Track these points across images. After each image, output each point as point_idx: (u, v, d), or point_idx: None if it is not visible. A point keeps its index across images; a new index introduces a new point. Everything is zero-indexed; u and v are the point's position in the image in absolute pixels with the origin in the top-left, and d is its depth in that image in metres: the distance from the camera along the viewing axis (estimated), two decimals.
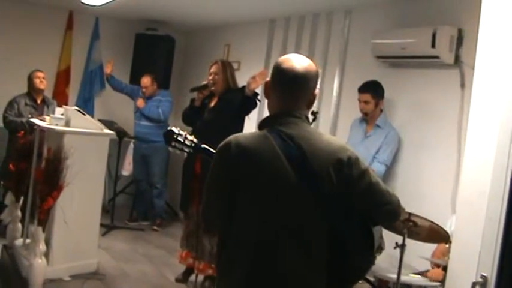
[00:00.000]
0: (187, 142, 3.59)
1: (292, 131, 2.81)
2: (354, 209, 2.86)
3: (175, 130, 3.62)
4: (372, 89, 6.27)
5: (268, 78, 2.99)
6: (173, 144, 3.60)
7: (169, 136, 3.60)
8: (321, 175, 2.75)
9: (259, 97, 6.39)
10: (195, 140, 3.60)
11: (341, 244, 2.85)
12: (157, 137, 9.31)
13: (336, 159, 2.77)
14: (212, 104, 6.67)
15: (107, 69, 9.66)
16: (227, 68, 6.67)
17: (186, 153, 3.67)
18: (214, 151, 3.35)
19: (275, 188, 2.75)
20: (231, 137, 2.85)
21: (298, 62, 2.88)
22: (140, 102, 9.59)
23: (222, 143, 2.87)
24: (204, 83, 6.74)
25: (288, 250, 2.75)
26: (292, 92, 2.90)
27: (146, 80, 9.42)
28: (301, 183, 2.73)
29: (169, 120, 9.76)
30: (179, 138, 3.59)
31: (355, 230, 2.89)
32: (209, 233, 3.23)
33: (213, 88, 6.62)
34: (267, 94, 2.99)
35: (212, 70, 6.64)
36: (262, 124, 2.92)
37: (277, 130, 2.80)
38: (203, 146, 3.61)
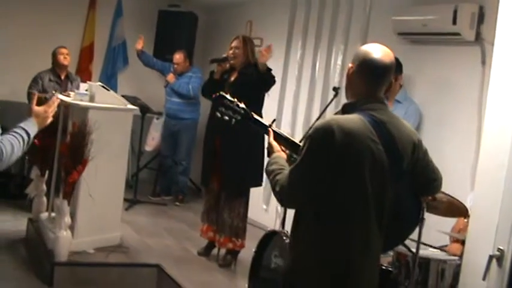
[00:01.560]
0: (237, 109, 3.49)
1: (381, 116, 2.98)
2: (413, 183, 3.16)
3: (227, 96, 3.52)
4: None
5: (351, 64, 3.09)
6: (221, 109, 3.50)
7: (220, 101, 3.50)
8: (404, 156, 3.02)
9: (273, 72, 6.45)
10: (246, 108, 3.50)
11: (402, 214, 3.15)
12: (187, 113, 9.41)
13: (412, 142, 3.09)
14: (232, 78, 6.72)
15: (138, 45, 9.67)
16: (248, 43, 6.71)
17: (233, 121, 3.53)
18: (263, 121, 3.43)
19: (371, 169, 2.89)
20: (331, 121, 2.91)
21: (385, 53, 3.04)
22: (170, 77, 9.64)
23: (321, 126, 2.91)
24: (224, 55, 6.80)
25: (373, 226, 2.96)
26: (379, 81, 3.06)
27: (178, 56, 9.46)
28: (390, 164, 2.94)
29: (200, 97, 9.82)
30: (229, 104, 3.50)
31: (413, 201, 3.24)
32: (286, 206, 3.22)
33: (232, 62, 6.67)
34: (350, 78, 3.09)
35: (233, 44, 6.69)
36: (350, 107, 3.05)
37: (370, 114, 2.95)
38: (253, 115, 3.52)
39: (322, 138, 2.88)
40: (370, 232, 2.93)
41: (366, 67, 3.03)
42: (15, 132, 3.33)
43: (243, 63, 6.65)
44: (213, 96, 3.57)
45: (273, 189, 3.04)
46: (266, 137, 3.47)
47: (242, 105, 3.51)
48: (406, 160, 3.02)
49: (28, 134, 3.38)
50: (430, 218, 4.67)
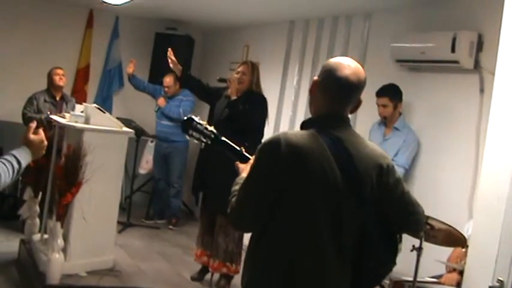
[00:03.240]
0: (206, 132, 3.48)
1: (340, 134, 2.82)
2: (383, 215, 2.90)
3: (196, 118, 3.43)
4: (390, 92, 6.29)
5: (316, 77, 2.95)
6: (191, 132, 3.42)
7: (188, 124, 3.42)
8: (365, 179, 2.80)
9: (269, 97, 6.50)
10: (215, 131, 3.45)
11: (368, 247, 2.86)
12: (178, 136, 9.40)
13: (378, 165, 2.85)
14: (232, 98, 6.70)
15: (129, 69, 9.69)
16: (255, 71, 6.70)
17: (202, 144, 3.53)
18: (234, 145, 3.36)
19: (323, 189, 2.73)
20: (279, 134, 2.81)
21: (353, 71, 2.85)
22: (161, 101, 9.68)
23: (269, 139, 2.82)
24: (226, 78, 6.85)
25: (328, 250, 2.76)
26: (343, 99, 2.89)
27: (169, 80, 9.48)
28: (346, 186, 2.75)
29: None
30: (198, 127, 3.42)
31: (382, 234, 2.91)
32: (238, 229, 3.12)
33: (238, 87, 6.64)
34: (313, 92, 2.95)
35: (240, 69, 6.67)
36: (309, 124, 2.90)
37: (327, 132, 2.80)
38: (223, 138, 3.45)
39: (268, 150, 2.78)
40: (325, 259, 2.76)
41: (330, 84, 2.87)
42: (6, 159, 3.23)
43: (246, 89, 6.62)
44: (182, 119, 3.54)
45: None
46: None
47: (211, 128, 3.47)
48: (369, 183, 2.81)
49: (19, 163, 3.27)
50: (426, 246, 4.64)
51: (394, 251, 2.98)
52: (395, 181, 2.92)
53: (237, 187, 2.92)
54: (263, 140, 2.88)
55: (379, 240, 2.88)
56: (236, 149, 3.39)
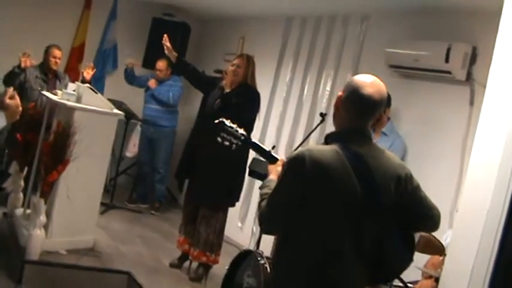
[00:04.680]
0: (237, 134, 3.56)
1: (361, 149, 2.96)
2: (402, 219, 3.07)
3: (227, 122, 3.58)
4: None
5: (340, 93, 3.07)
6: (222, 135, 3.56)
7: (220, 127, 3.57)
8: (384, 191, 2.94)
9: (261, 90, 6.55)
10: (245, 133, 3.57)
11: (388, 251, 3.03)
12: (166, 121, 9.43)
13: (397, 176, 3.00)
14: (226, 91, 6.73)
15: (130, 63, 9.75)
16: (250, 65, 6.72)
17: (233, 146, 3.62)
18: (263, 147, 3.50)
19: (344, 203, 2.88)
20: (304, 150, 2.93)
21: (377, 89, 2.99)
22: (152, 83, 9.73)
23: (295, 154, 2.96)
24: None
25: (347, 256, 2.91)
26: (366, 115, 3.03)
27: (162, 64, 9.52)
28: (367, 200, 2.88)
29: (179, 106, 9.86)
30: (229, 130, 3.57)
31: (401, 237, 3.11)
32: (266, 233, 3.22)
33: (232, 78, 6.66)
34: (337, 107, 3.09)
35: (236, 62, 6.69)
36: (332, 138, 3.04)
37: (348, 147, 2.94)
38: (253, 140, 3.62)
39: (293, 165, 2.94)
40: (344, 269, 2.91)
41: (354, 100, 3.00)
42: None
43: (240, 82, 6.64)
44: (215, 122, 3.62)
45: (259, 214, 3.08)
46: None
47: (242, 130, 3.59)
48: (387, 194, 2.96)
49: None
50: None
51: (411, 249, 3.17)
52: (414, 188, 3.09)
53: (265, 190, 3.14)
54: (291, 153, 3.01)
55: (398, 243, 3.07)
56: (265, 150, 3.53)
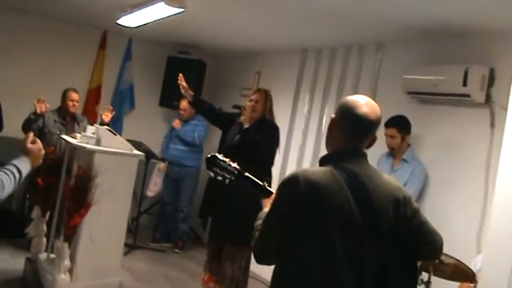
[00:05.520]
0: (229, 169, 3.55)
1: (356, 168, 2.88)
2: (403, 246, 2.95)
3: (219, 156, 3.56)
4: (398, 124, 6.31)
5: (334, 115, 3.02)
6: (215, 169, 3.54)
7: (212, 161, 3.54)
8: (382, 213, 2.84)
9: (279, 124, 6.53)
10: (238, 168, 3.53)
11: (390, 280, 2.90)
12: (191, 161, 9.43)
13: (395, 198, 2.90)
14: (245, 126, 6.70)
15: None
16: (268, 99, 6.68)
17: (227, 181, 3.61)
18: (257, 181, 3.42)
19: (341, 225, 2.76)
20: (298, 172, 2.85)
21: (371, 109, 2.94)
22: (177, 123, 9.77)
23: (288, 176, 2.86)
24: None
25: (346, 283, 2.77)
26: (361, 135, 2.97)
27: (185, 103, 9.34)
28: (365, 221, 2.79)
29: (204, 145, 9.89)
30: (222, 164, 3.54)
31: (402, 265, 2.96)
32: (261, 263, 3.15)
33: (251, 114, 6.63)
34: (330, 130, 3.03)
35: (254, 97, 6.63)
36: (326, 160, 2.96)
37: (343, 167, 2.85)
38: (246, 174, 3.56)
39: (287, 188, 2.84)
40: None
41: (349, 121, 2.95)
42: (7, 169, 3.27)
43: (259, 118, 6.61)
44: (207, 156, 3.60)
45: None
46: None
47: (235, 164, 3.56)
48: (386, 217, 2.85)
49: (20, 172, 3.32)
50: (434, 281, 4.63)
51: (414, 279, 3.06)
52: (413, 212, 2.97)
53: (259, 222, 3.00)
54: (282, 177, 2.94)
55: (399, 271, 2.94)
56: (259, 184, 3.46)
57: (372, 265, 2.83)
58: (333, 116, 3.02)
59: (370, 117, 2.93)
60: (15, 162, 3.35)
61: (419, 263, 3.19)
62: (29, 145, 3.46)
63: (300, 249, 2.78)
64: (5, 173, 3.23)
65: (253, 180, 3.51)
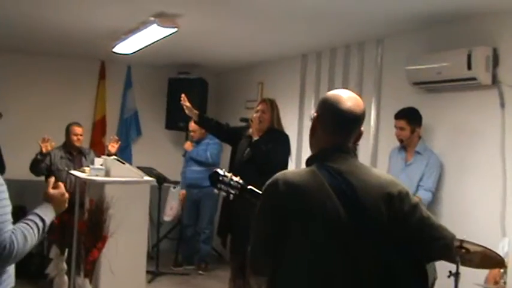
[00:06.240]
0: (232, 183, 3.51)
1: (340, 166, 2.76)
2: (406, 245, 2.79)
3: (221, 172, 3.55)
4: (407, 115, 6.23)
5: (316, 113, 2.91)
6: (219, 186, 3.53)
7: (215, 178, 3.53)
8: (372, 210, 2.70)
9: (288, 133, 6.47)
10: (240, 181, 3.51)
11: (393, 281, 2.75)
12: (208, 181, 9.30)
13: (387, 194, 2.75)
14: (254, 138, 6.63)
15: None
16: (274, 109, 6.61)
17: (231, 196, 3.56)
18: (260, 192, 3.33)
19: (325, 225, 2.67)
20: (278, 174, 2.79)
21: (354, 103, 2.84)
22: (188, 146, 9.76)
23: (269, 180, 2.81)
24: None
25: (345, 284, 2.67)
26: (347, 131, 2.86)
27: (193, 124, 9.32)
28: (351, 220, 2.67)
29: (220, 163, 9.77)
30: (225, 180, 3.52)
31: (407, 266, 2.80)
32: (256, 274, 3.10)
33: (257, 127, 6.55)
34: (313, 128, 2.92)
35: (259, 108, 6.56)
36: (311, 160, 2.86)
37: (326, 166, 2.75)
38: (249, 187, 3.53)
39: (267, 191, 2.81)
40: None
41: (333, 118, 2.85)
42: (30, 220, 3.13)
43: (267, 128, 6.53)
44: (209, 174, 3.61)
45: None
46: None
47: (237, 178, 3.55)
48: (376, 213, 2.70)
49: (43, 220, 3.18)
50: (463, 271, 4.53)
51: (424, 278, 2.87)
52: (411, 207, 2.80)
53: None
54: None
55: (404, 272, 2.78)
56: None
57: (368, 264, 2.69)
58: (315, 114, 2.92)
59: (355, 111, 2.83)
60: (37, 211, 3.21)
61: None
62: (51, 191, 3.33)
63: (288, 252, 2.71)
64: (28, 224, 3.09)
65: (257, 192, 3.45)
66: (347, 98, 2.85)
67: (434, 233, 2.84)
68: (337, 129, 2.84)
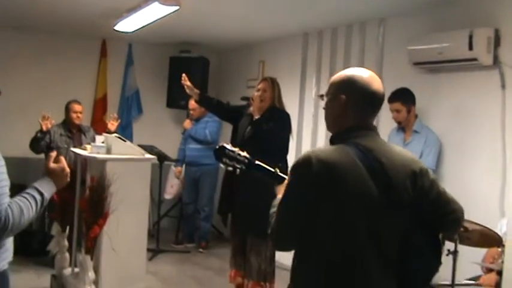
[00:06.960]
0: (239, 158, 3.48)
1: (370, 144, 2.80)
2: (423, 218, 2.85)
3: (227, 146, 3.45)
4: (401, 97, 6.26)
5: (344, 96, 2.87)
6: (224, 160, 3.43)
7: (221, 152, 3.43)
8: (400, 187, 2.76)
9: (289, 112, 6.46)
10: (248, 156, 3.47)
11: (412, 253, 2.82)
12: (208, 159, 9.33)
13: (411, 171, 2.81)
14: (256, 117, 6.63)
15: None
16: (275, 87, 6.61)
17: (237, 170, 3.53)
18: (268, 168, 3.34)
19: (359, 200, 2.69)
20: (309, 152, 2.77)
21: (379, 82, 2.90)
22: (187, 124, 9.78)
23: (299, 158, 2.79)
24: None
25: (370, 262, 2.71)
26: (374, 110, 2.93)
27: (193, 103, 9.21)
28: (382, 195, 2.71)
29: (219, 141, 9.76)
30: (231, 154, 3.44)
31: (425, 238, 2.86)
32: (278, 247, 3.08)
33: (259, 105, 6.55)
34: (342, 110, 2.88)
35: (260, 86, 6.56)
36: (336, 138, 2.89)
37: (355, 143, 2.77)
38: (257, 162, 3.47)
39: (300, 170, 2.76)
40: (369, 272, 2.72)
41: (363, 99, 2.86)
42: (28, 193, 3.09)
43: (268, 106, 6.54)
44: (215, 148, 3.51)
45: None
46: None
47: (244, 153, 3.47)
48: (403, 189, 2.76)
49: (41, 194, 3.14)
50: (462, 249, 4.56)
51: (438, 251, 2.94)
52: (431, 183, 2.87)
53: (274, 209, 2.89)
54: (294, 160, 2.83)
55: (422, 244, 2.84)
56: (271, 171, 3.36)
57: (393, 240, 2.76)
58: (343, 96, 2.87)
59: (382, 92, 2.90)
60: (36, 184, 3.18)
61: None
62: (52, 165, 3.30)
63: (319, 230, 2.71)
64: (25, 197, 3.06)
65: (265, 167, 3.42)
66: (373, 78, 2.90)
67: (448, 208, 2.93)
68: (366, 108, 2.89)
